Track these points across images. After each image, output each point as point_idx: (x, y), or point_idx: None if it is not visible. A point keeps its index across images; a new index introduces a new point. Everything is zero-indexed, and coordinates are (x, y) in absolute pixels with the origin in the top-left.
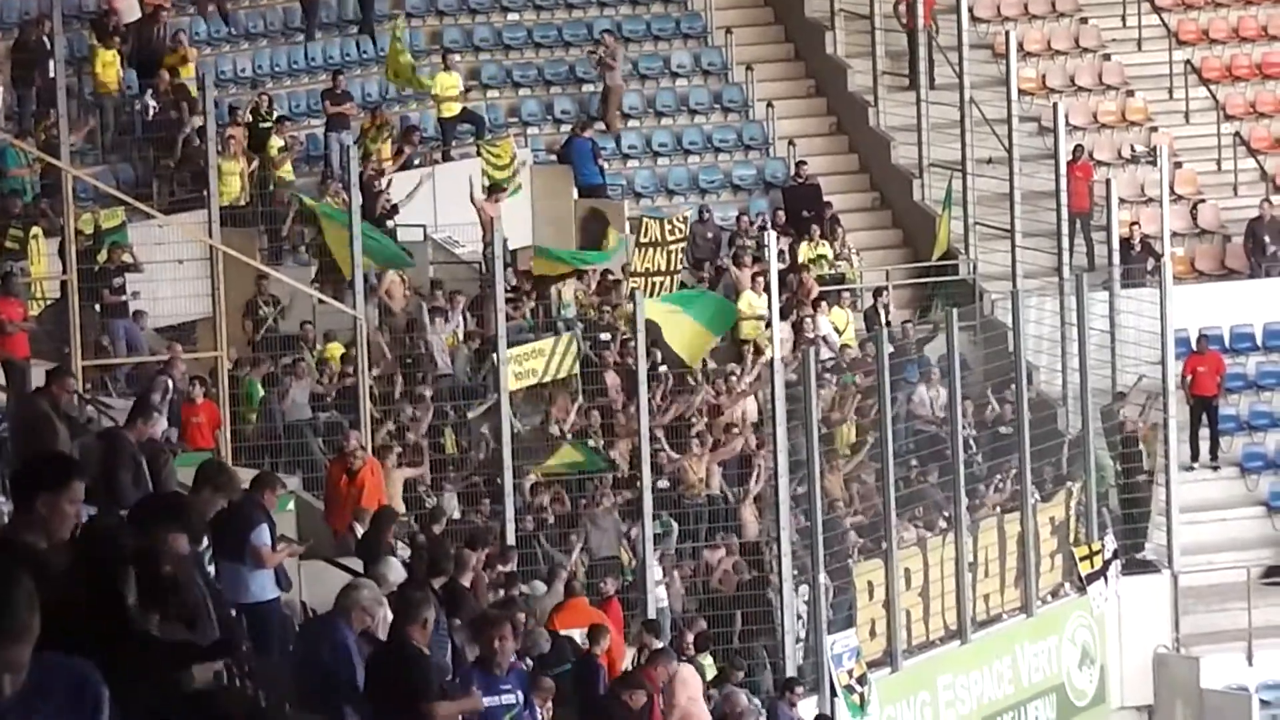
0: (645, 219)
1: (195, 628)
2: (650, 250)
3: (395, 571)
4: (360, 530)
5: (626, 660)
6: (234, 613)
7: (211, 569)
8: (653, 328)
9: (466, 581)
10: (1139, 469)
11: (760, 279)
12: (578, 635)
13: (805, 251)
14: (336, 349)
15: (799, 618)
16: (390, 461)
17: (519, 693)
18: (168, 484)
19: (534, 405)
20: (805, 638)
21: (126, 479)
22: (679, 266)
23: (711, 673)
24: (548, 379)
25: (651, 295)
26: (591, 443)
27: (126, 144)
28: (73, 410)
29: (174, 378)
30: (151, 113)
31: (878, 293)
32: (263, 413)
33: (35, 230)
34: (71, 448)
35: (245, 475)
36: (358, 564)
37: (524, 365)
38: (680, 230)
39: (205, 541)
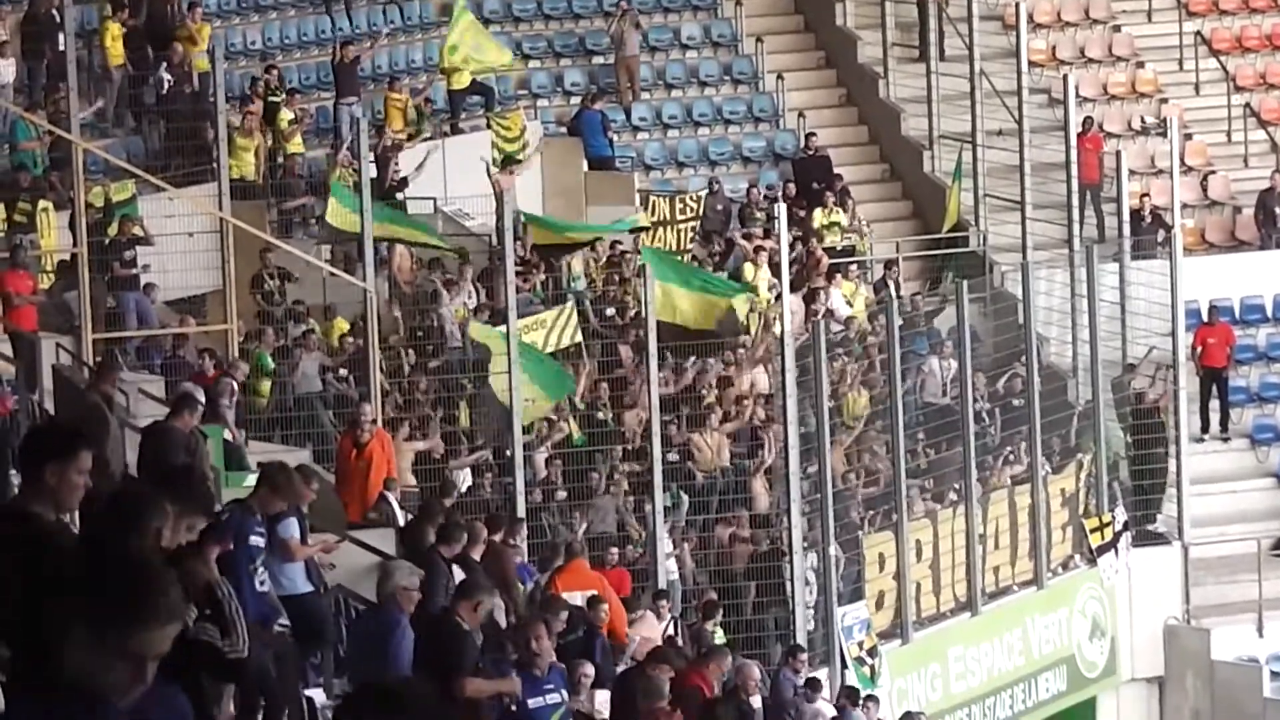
0: (653, 197)
1: (227, 635)
2: (659, 229)
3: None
4: (393, 500)
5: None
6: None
7: (264, 575)
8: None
9: (477, 554)
10: (1153, 440)
11: (762, 253)
12: (579, 598)
13: (820, 217)
14: (342, 325)
15: (807, 584)
16: (401, 435)
17: (563, 690)
18: (204, 470)
19: None
20: (815, 609)
21: (182, 464)
22: (688, 245)
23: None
24: (549, 350)
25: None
26: (601, 415)
27: (137, 117)
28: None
29: (236, 379)
30: (166, 86)
31: (889, 265)
32: (274, 385)
33: (44, 204)
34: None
35: (261, 450)
36: (367, 536)
37: (527, 337)
38: (692, 208)
39: (262, 543)
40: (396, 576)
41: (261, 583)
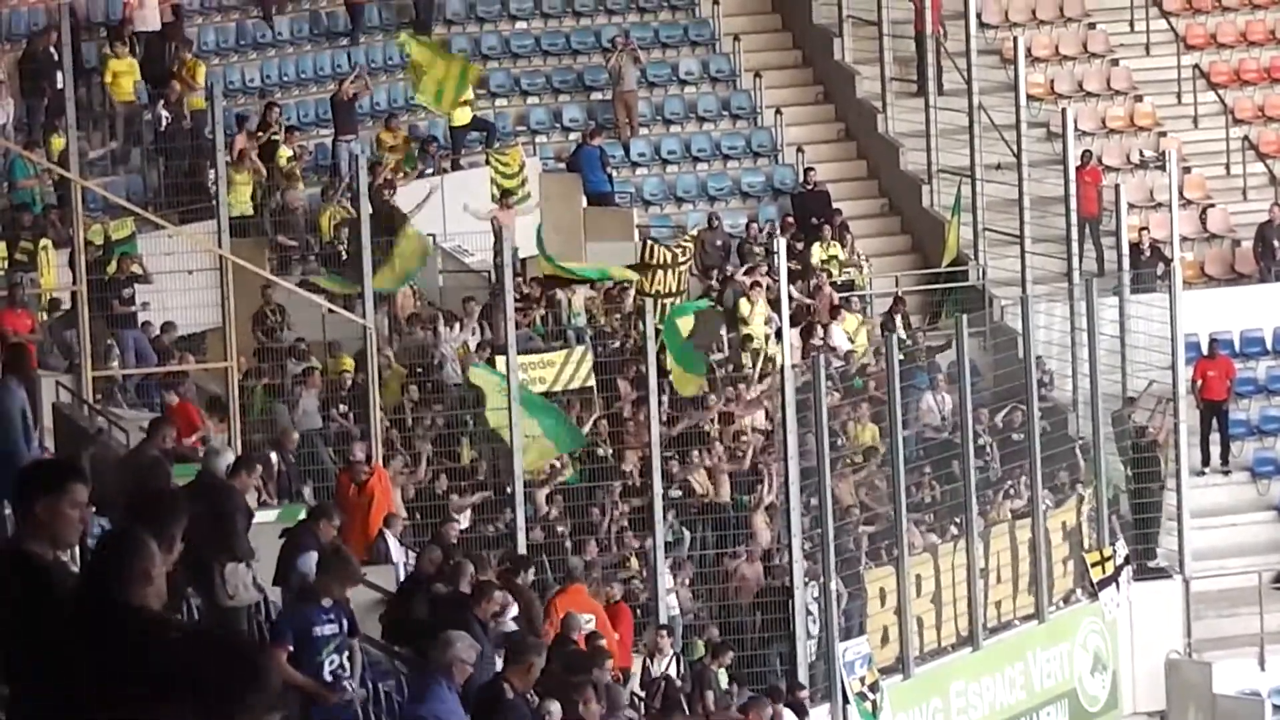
0: (655, 244)
1: None
2: (660, 272)
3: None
4: (390, 538)
5: (634, 665)
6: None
7: (336, 662)
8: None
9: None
10: (1153, 474)
11: (759, 289)
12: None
13: (818, 252)
14: (346, 362)
15: (808, 613)
16: (394, 469)
17: None
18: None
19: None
20: (817, 644)
21: (243, 527)
22: (686, 286)
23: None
24: (557, 388)
25: (661, 317)
26: (600, 452)
27: (137, 154)
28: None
29: (287, 449)
30: (165, 123)
31: (896, 302)
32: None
33: (45, 242)
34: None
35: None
36: (372, 574)
37: (531, 374)
38: (688, 250)
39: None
40: (457, 648)
41: (332, 672)
